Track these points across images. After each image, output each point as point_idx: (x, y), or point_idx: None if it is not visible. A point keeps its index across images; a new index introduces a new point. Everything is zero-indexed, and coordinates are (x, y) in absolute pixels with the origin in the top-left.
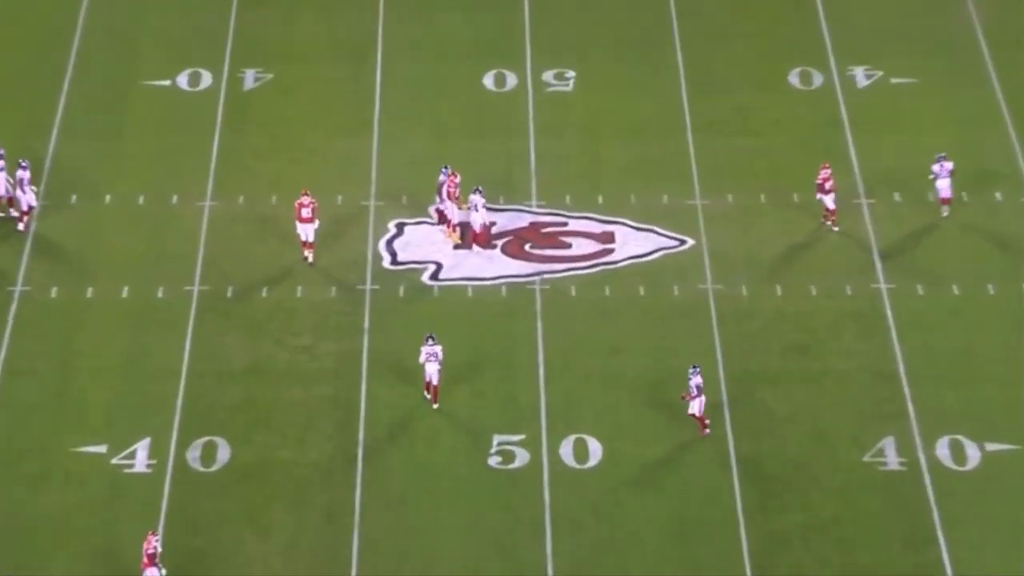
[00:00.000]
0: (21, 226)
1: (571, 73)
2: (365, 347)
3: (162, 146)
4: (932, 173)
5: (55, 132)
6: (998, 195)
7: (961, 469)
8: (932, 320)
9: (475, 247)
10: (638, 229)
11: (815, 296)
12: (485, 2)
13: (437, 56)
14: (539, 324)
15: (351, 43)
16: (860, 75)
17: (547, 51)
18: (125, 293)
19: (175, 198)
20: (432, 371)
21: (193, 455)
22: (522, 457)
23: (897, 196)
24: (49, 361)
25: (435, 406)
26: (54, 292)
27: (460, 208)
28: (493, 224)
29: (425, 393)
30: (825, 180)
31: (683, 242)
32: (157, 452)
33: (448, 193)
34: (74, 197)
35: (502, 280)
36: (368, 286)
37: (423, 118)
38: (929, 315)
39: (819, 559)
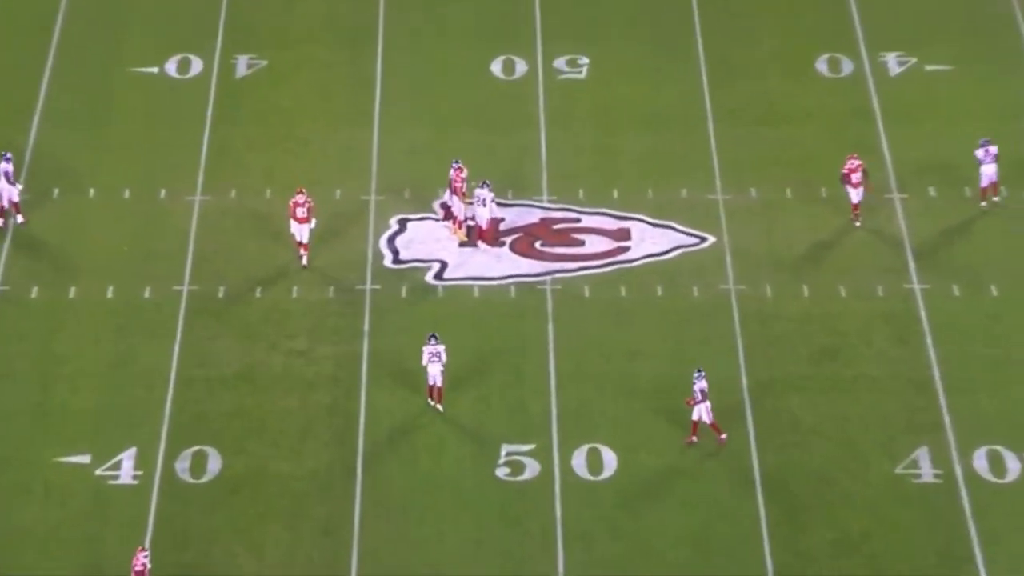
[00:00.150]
0: (0, 221)
1: (584, 59)
2: (365, 351)
3: (150, 137)
4: (977, 159)
5: (36, 122)
6: None
7: (1000, 481)
8: (969, 323)
9: (482, 244)
10: (655, 226)
11: (844, 297)
12: None
13: (442, 41)
14: (550, 327)
15: (350, 27)
16: (892, 62)
17: (559, 36)
18: (110, 293)
19: (163, 192)
20: (435, 372)
21: (182, 466)
22: (532, 468)
23: (932, 190)
24: (29, 365)
25: (439, 408)
26: (34, 292)
27: (464, 203)
28: (501, 220)
29: (428, 399)
30: (851, 171)
31: (703, 239)
32: (144, 463)
33: (454, 188)
34: (56, 191)
35: (511, 280)
36: (368, 286)
37: (427, 107)
38: (966, 318)
39: None
